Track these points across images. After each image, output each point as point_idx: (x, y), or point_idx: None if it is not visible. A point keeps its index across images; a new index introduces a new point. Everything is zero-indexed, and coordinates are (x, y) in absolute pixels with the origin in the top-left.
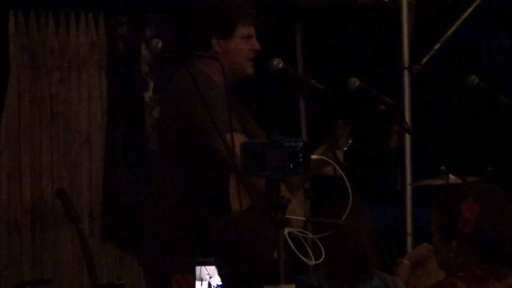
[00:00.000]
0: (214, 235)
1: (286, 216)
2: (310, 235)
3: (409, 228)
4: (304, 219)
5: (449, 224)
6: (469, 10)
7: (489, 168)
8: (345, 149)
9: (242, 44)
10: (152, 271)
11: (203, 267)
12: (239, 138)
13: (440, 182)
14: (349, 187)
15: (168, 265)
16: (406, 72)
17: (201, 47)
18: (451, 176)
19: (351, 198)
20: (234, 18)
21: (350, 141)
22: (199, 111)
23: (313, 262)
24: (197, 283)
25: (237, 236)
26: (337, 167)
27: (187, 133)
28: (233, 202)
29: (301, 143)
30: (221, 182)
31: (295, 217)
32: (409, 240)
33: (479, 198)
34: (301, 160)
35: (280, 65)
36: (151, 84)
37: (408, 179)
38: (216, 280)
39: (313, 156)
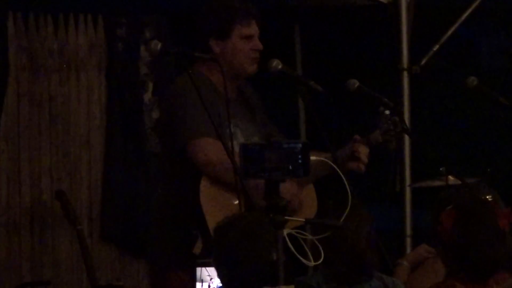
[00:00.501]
0: (213, 237)
1: (286, 217)
2: (309, 236)
3: (408, 229)
4: (304, 220)
5: (433, 231)
6: (468, 11)
7: (488, 170)
8: (380, 140)
9: (241, 44)
10: (154, 270)
11: (203, 269)
12: (211, 143)
13: (439, 183)
14: (348, 189)
15: (164, 263)
16: (405, 73)
17: (201, 48)
18: (450, 177)
19: (350, 200)
20: (231, 18)
21: (392, 123)
22: (176, 113)
23: (312, 263)
24: (198, 285)
25: (236, 238)
26: (338, 170)
27: (167, 135)
28: (204, 206)
29: (300, 145)
30: (192, 187)
31: (294, 219)
32: (408, 241)
33: (458, 207)
34: (300, 161)
35: (279, 66)
36: (150, 85)
37: (407, 180)
38: (216, 281)
39: (312, 158)
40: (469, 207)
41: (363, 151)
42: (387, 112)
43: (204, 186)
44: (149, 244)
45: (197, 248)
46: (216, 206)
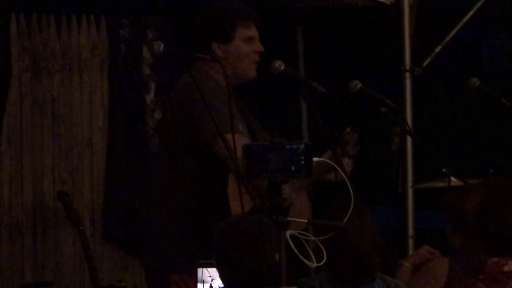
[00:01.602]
0: (215, 238)
1: (288, 218)
2: (312, 237)
3: (410, 230)
4: (306, 221)
5: (455, 216)
6: (471, 13)
7: (491, 171)
8: (351, 155)
9: (244, 47)
10: (152, 271)
11: (205, 269)
12: (241, 139)
13: (441, 184)
14: (351, 190)
15: (166, 265)
16: (407, 75)
17: (203, 51)
18: (453, 179)
19: (353, 201)
20: (232, 21)
21: (358, 148)
22: (199, 111)
23: (315, 264)
24: (199, 285)
25: (238, 239)
26: (340, 171)
27: (187, 133)
28: (232, 202)
29: (303, 146)
30: (220, 183)
31: (297, 219)
32: (411, 242)
33: (483, 190)
34: (303, 162)
35: (282, 68)
36: (153, 86)
37: (410, 182)
38: (218, 282)
39: (315, 159)
40: (497, 189)
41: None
42: (348, 129)
43: (232, 181)
44: (148, 245)
45: None
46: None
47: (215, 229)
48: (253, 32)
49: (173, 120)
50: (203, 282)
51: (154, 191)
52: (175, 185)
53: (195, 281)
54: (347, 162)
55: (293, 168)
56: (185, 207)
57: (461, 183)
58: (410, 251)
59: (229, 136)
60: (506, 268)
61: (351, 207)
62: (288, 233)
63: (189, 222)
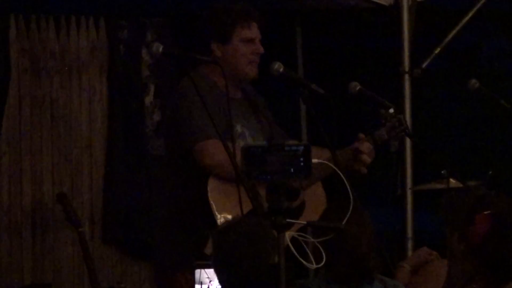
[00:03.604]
0: (213, 241)
1: (288, 220)
2: (311, 239)
3: (409, 232)
4: (305, 223)
5: (462, 229)
6: (470, 14)
7: (490, 173)
8: (384, 140)
9: (243, 48)
10: (158, 270)
11: (202, 270)
12: (215, 145)
13: (440, 186)
14: (349, 191)
15: (171, 264)
16: (406, 76)
17: (203, 52)
18: (452, 180)
19: (351, 202)
20: (231, 22)
21: (399, 130)
22: (181, 116)
23: (313, 266)
24: (197, 287)
25: (236, 241)
26: (339, 172)
27: (173, 136)
28: (213, 206)
29: (302, 147)
30: (201, 187)
31: (296, 221)
32: (410, 244)
33: (496, 213)
34: (302, 164)
35: (281, 69)
36: (152, 88)
37: (409, 183)
38: (215, 283)
39: (314, 160)
40: (507, 217)
41: (366, 151)
42: (391, 110)
43: (212, 185)
44: (155, 245)
45: (209, 248)
46: (226, 204)
47: (203, 234)
48: (253, 33)
49: (166, 124)
50: (201, 283)
51: (158, 192)
52: (172, 187)
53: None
54: (368, 146)
55: (292, 170)
56: (182, 208)
57: (460, 185)
58: (409, 253)
59: (204, 143)
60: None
61: (350, 209)
62: (288, 235)
63: (186, 223)
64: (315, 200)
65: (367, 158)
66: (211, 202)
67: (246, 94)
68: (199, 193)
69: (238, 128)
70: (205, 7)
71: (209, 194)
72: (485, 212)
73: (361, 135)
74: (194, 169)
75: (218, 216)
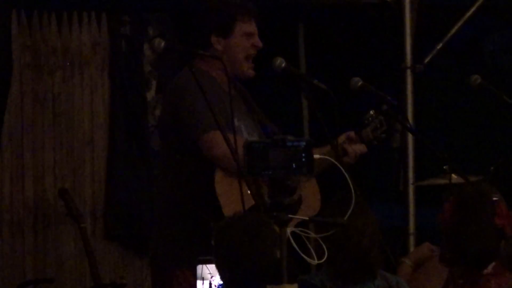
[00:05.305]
0: (214, 236)
1: (290, 216)
2: (313, 235)
3: (411, 227)
4: (307, 218)
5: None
6: (472, 10)
7: (492, 168)
8: (370, 138)
9: (243, 42)
10: (157, 267)
11: (204, 266)
12: (219, 137)
13: (442, 181)
14: (352, 187)
15: (169, 261)
16: (408, 72)
17: (203, 45)
18: (454, 176)
19: (354, 198)
20: (233, 15)
21: (382, 130)
22: (186, 108)
23: (316, 261)
24: (198, 282)
25: (237, 236)
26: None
27: (176, 129)
28: (221, 198)
29: (304, 143)
30: (207, 179)
31: (298, 217)
32: (412, 239)
33: (458, 198)
34: (304, 159)
35: (283, 65)
36: (154, 83)
37: (411, 179)
38: (217, 279)
39: (316, 156)
40: (467, 199)
41: (352, 150)
42: (372, 112)
43: (219, 177)
44: (154, 241)
45: None
46: (232, 197)
47: (210, 226)
48: (252, 28)
49: (165, 117)
50: (203, 279)
51: (157, 188)
52: (173, 181)
53: (195, 277)
54: (359, 148)
55: (294, 165)
56: (181, 203)
57: (462, 180)
58: (411, 248)
59: (211, 134)
60: (485, 271)
61: (352, 204)
62: (289, 230)
63: (186, 218)
64: (310, 194)
65: (353, 158)
66: (218, 193)
67: (239, 90)
68: (205, 185)
69: (236, 122)
70: (205, 2)
71: (216, 186)
72: (450, 199)
73: (351, 134)
74: (199, 161)
75: (225, 209)
